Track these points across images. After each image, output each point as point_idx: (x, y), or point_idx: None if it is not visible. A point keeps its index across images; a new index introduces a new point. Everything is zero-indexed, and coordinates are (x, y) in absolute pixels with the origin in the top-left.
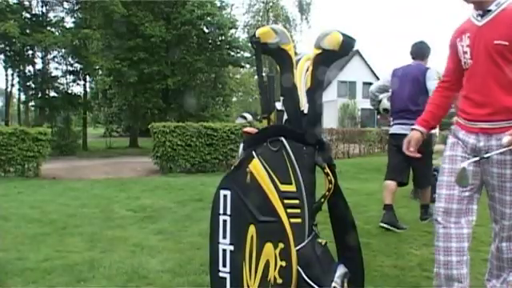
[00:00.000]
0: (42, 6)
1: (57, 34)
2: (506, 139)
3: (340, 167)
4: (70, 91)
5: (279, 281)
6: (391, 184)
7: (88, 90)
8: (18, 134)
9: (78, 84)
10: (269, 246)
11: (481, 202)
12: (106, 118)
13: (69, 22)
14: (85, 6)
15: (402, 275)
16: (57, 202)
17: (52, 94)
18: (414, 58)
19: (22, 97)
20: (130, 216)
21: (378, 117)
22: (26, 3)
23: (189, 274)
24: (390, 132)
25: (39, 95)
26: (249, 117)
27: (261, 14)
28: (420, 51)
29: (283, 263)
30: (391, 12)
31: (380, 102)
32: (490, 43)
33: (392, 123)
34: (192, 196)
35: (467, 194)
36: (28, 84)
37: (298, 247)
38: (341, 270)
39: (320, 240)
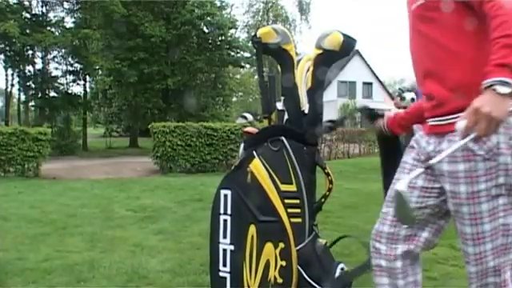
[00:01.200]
0: (42, 6)
1: (57, 33)
2: (459, 124)
3: (340, 167)
4: (70, 91)
5: (279, 280)
6: None
7: (88, 89)
8: (18, 134)
9: (78, 84)
10: (269, 246)
11: None
12: (105, 117)
13: (69, 22)
14: (85, 5)
15: None
16: (57, 201)
17: (52, 94)
18: None
19: (22, 97)
20: (130, 216)
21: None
22: (26, 3)
23: (189, 274)
24: None
25: (39, 95)
26: (249, 117)
27: (261, 13)
28: None
29: (283, 263)
30: (391, 12)
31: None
32: (412, 13)
33: None
34: (192, 196)
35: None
36: (28, 84)
37: (298, 247)
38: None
39: (320, 240)
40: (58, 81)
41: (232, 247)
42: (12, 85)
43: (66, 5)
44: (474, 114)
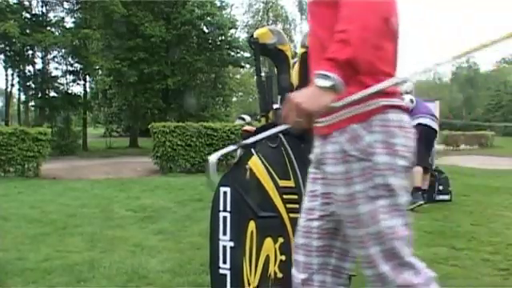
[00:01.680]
0: (42, 6)
1: (57, 34)
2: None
3: None
4: (70, 91)
5: (279, 275)
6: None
7: (88, 90)
8: (18, 134)
9: (78, 84)
10: (269, 241)
11: (479, 201)
12: (105, 117)
13: (69, 22)
14: (85, 5)
15: None
16: (57, 201)
17: (52, 94)
18: None
19: (22, 97)
20: (130, 216)
21: None
22: (26, 3)
23: (189, 274)
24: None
25: (39, 95)
26: (247, 118)
27: (261, 13)
28: None
29: (283, 257)
30: None
31: None
32: (307, 8)
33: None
34: (192, 196)
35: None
36: (28, 84)
37: None
38: None
39: None
40: (58, 81)
41: (232, 244)
42: (12, 85)
43: (66, 5)
44: (288, 104)
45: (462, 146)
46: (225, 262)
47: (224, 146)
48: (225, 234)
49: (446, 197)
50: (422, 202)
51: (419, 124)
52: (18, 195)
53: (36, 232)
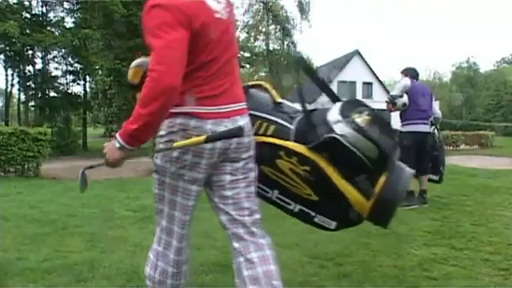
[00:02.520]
0: (42, 6)
1: (57, 34)
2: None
3: None
4: (70, 91)
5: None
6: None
7: (88, 89)
8: (18, 134)
9: (78, 84)
10: (281, 163)
11: (479, 201)
12: (105, 118)
13: (69, 22)
14: (85, 5)
15: (401, 275)
16: (57, 201)
17: (52, 94)
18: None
19: (22, 97)
20: (130, 216)
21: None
22: (26, 3)
23: (189, 273)
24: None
25: (39, 95)
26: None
27: (261, 14)
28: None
29: (306, 167)
30: (391, 12)
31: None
32: None
33: (407, 123)
34: None
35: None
36: (28, 84)
37: (293, 138)
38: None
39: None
40: (58, 81)
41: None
42: (12, 85)
43: (66, 5)
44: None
45: (462, 146)
46: (289, 204)
47: None
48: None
49: (435, 177)
50: (416, 206)
51: (409, 132)
52: (17, 195)
53: (36, 232)
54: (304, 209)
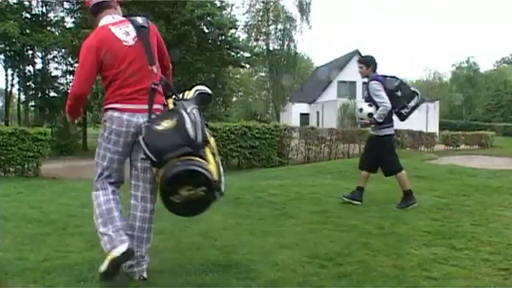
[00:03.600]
0: (42, 6)
1: (57, 34)
2: None
3: (340, 167)
4: (69, 91)
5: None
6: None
7: None
8: (18, 134)
9: None
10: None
11: (479, 201)
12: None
13: (69, 22)
14: (85, 6)
15: (401, 275)
16: (57, 201)
17: (52, 94)
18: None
19: (22, 97)
20: None
21: (367, 122)
22: (26, 3)
23: (189, 273)
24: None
25: (39, 95)
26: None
27: (261, 14)
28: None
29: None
30: (391, 12)
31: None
32: None
33: (389, 125)
34: None
35: None
36: (28, 84)
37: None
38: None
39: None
40: (58, 81)
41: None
42: (12, 85)
43: (66, 5)
44: None
45: (462, 146)
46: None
47: (224, 146)
48: None
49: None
50: (416, 205)
51: (386, 135)
52: (17, 195)
53: (36, 232)
54: None
